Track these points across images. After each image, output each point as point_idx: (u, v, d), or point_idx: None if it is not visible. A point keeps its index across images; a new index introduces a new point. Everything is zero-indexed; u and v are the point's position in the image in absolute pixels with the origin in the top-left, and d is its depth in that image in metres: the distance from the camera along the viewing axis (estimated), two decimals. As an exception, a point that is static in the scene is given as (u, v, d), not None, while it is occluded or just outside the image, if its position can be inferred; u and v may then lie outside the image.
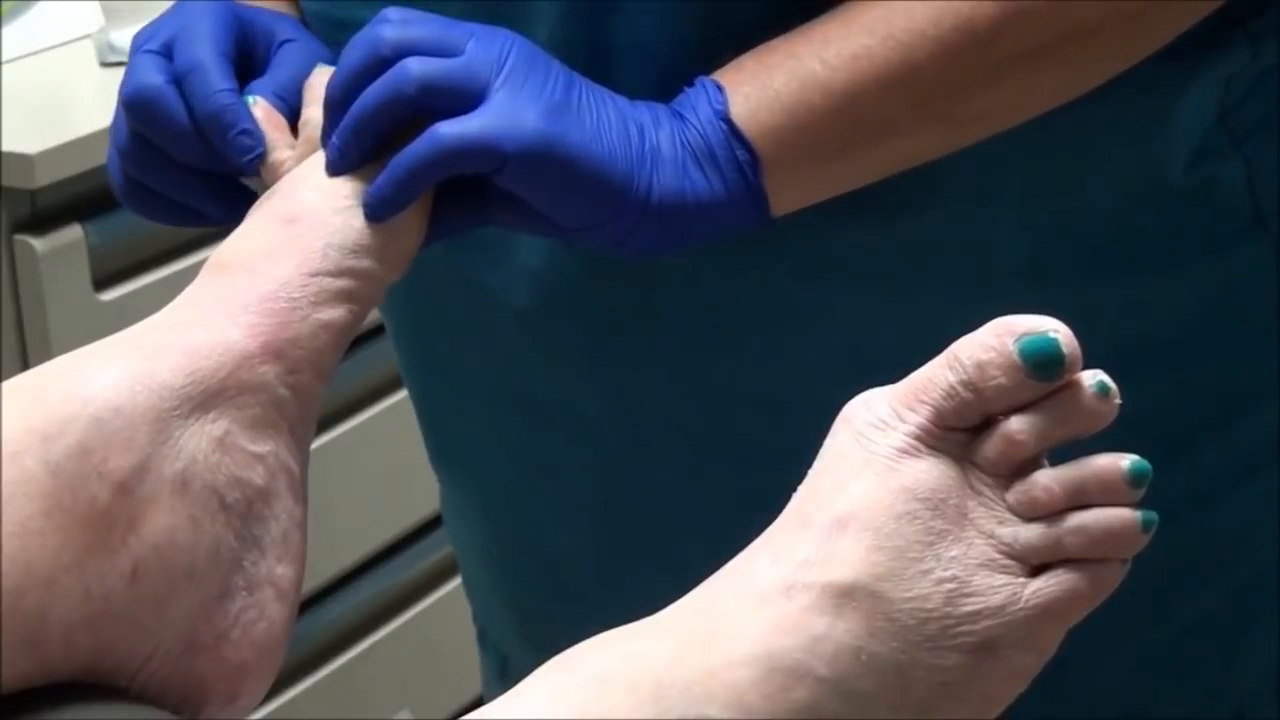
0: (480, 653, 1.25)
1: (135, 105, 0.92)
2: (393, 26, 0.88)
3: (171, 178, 0.94)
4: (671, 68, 0.92)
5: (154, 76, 0.92)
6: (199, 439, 0.76)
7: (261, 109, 0.92)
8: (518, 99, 0.87)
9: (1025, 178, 0.96)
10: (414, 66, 0.87)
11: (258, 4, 0.99)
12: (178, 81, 0.92)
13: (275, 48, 0.96)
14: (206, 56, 0.92)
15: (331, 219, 0.85)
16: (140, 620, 0.73)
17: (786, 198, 0.91)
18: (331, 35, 0.99)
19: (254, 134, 0.91)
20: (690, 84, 0.92)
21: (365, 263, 0.85)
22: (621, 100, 0.90)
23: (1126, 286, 0.99)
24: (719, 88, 0.91)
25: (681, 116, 0.90)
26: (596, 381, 1.03)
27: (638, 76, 0.93)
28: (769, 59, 0.91)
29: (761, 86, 0.90)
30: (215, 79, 0.91)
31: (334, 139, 0.88)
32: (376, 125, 0.87)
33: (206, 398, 0.77)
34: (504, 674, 1.20)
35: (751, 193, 0.90)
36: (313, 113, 0.91)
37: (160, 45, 0.93)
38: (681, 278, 0.99)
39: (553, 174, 0.87)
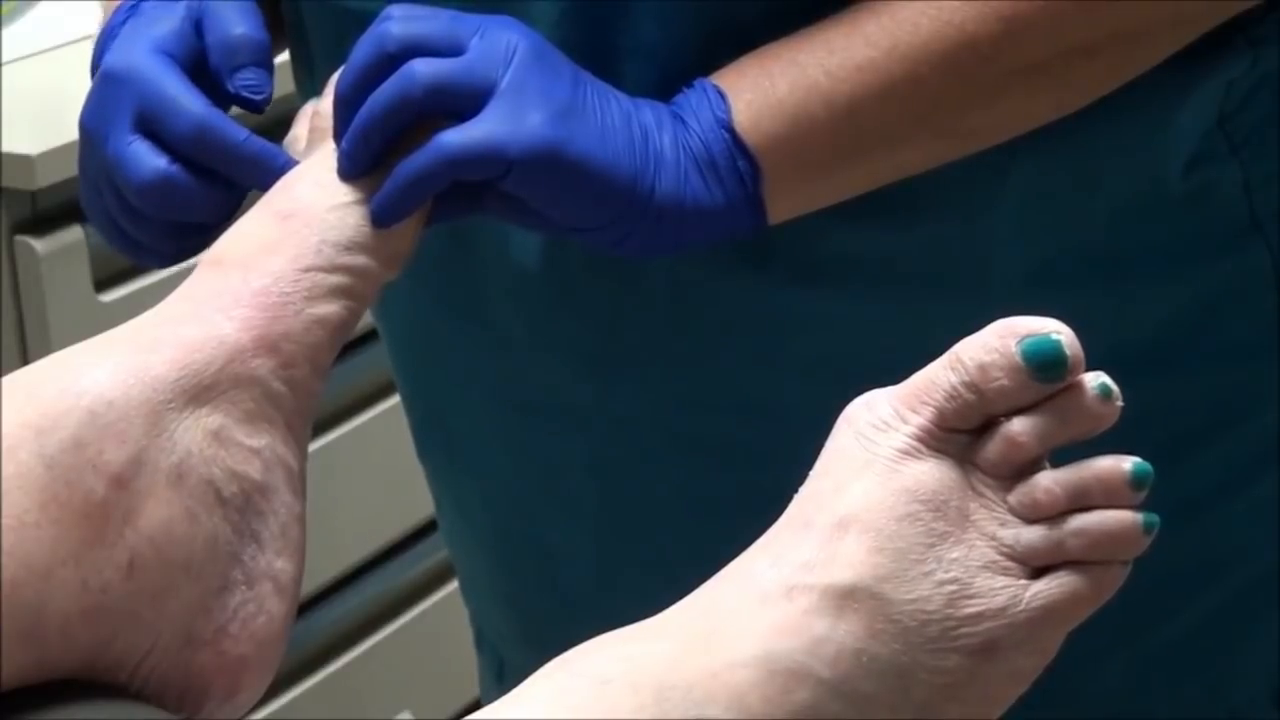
0: (477, 654, 1.25)
1: (156, 197, 0.90)
2: (399, 23, 0.88)
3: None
4: (674, 70, 0.92)
5: (156, 161, 0.90)
6: (194, 432, 0.76)
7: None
8: (523, 100, 0.87)
9: (1023, 184, 0.96)
10: (421, 69, 0.87)
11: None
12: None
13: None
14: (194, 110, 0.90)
15: (327, 215, 0.85)
16: (138, 613, 0.73)
17: (783, 206, 0.91)
18: (342, 29, 0.99)
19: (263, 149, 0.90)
20: (689, 85, 0.92)
21: (360, 259, 0.85)
22: (625, 99, 0.90)
23: (1124, 291, 0.99)
24: (720, 94, 0.90)
25: (682, 121, 0.90)
26: (592, 382, 1.03)
27: (640, 79, 0.93)
28: (771, 65, 0.91)
29: (764, 94, 0.90)
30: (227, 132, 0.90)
31: (344, 144, 0.88)
32: (385, 129, 0.87)
33: (200, 390, 0.77)
34: (501, 676, 1.20)
35: (750, 201, 0.90)
36: (326, 104, 0.92)
37: (134, 122, 0.91)
38: (677, 281, 0.98)
39: (557, 179, 0.87)
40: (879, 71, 0.89)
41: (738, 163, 0.90)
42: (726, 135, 0.90)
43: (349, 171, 0.87)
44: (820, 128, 0.90)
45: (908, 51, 0.89)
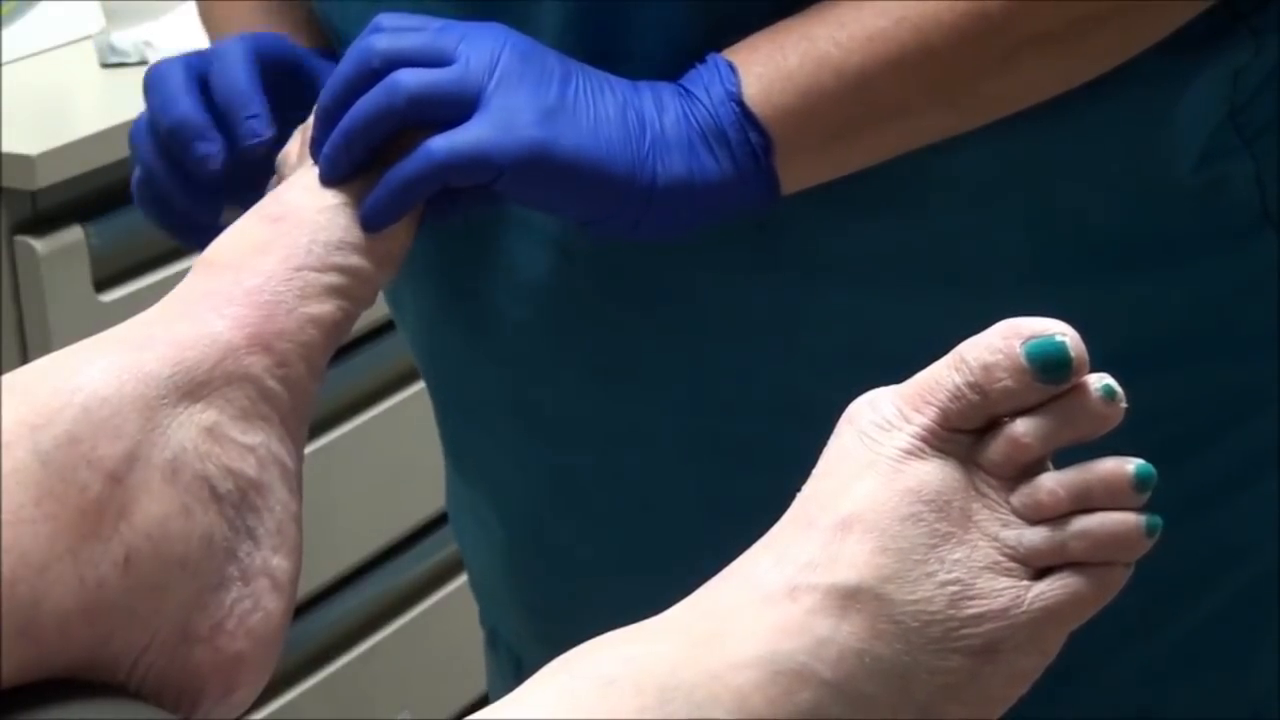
0: (490, 654, 1.24)
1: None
2: (384, 37, 0.89)
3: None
4: (678, 72, 0.92)
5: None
6: (188, 428, 0.77)
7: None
8: (511, 104, 0.87)
9: (1027, 175, 0.96)
10: (405, 79, 0.87)
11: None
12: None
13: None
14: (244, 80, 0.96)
15: (316, 216, 0.86)
16: (135, 609, 0.73)
17: (796, 177, 0.92)
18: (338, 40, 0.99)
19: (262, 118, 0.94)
20: (702, 60, 0.92)
21: (353, 259, 0.85)
22: (621, 85, 0.90)
23: (1131, 286, 0.99)
24: (731, 67, 0.90)
25: (690, 94, 0.90)
26: (604, 392, 1.03)
27: (642, 79, 0.93)
28: (783, 39, 0.91)
29: (775, 67, 0.90)
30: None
31: (325, 151, 0.89)
32: (367, 138, 0.88)
33: (194, 387, 0.77)
34: (519, 675, 1.19)
35: (762, 174, 0.91)
36: None
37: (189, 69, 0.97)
38: (685, 279, 0.98)
39: (550, 179, 0.88)
40: (889, 41, 0.89)
41: (749, 135, 0.90)
42: (736, 108, 0.90)
43: (327, 175, 0.88)
44: (831, 98, 0.90)
45: (919, 21, 0.89)
